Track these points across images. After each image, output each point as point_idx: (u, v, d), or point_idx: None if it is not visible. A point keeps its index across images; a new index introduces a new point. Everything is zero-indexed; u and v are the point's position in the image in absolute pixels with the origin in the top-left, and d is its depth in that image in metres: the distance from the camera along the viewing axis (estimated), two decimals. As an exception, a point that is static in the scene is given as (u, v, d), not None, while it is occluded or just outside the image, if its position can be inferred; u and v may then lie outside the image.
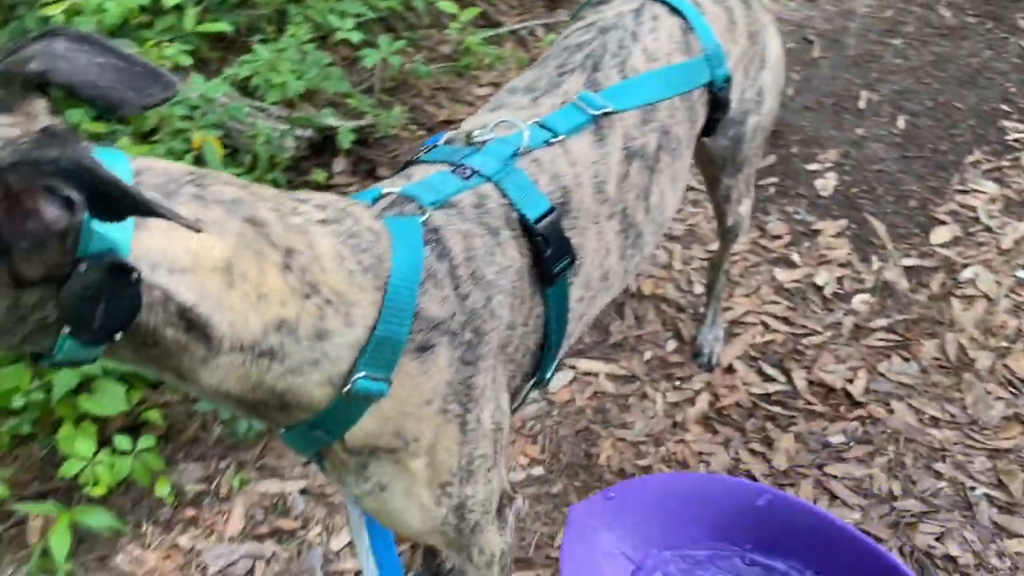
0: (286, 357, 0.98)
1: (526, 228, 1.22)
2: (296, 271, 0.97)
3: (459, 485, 1.19)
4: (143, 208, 0.75)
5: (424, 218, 1.14)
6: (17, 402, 2.06)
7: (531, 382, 1.35)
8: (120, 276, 0.83)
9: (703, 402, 2.35)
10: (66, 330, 0.83)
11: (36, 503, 2.01)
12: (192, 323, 0.91)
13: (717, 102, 1.61)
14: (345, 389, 1.03)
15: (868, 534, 2.01)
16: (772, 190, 3.03)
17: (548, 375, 1.38)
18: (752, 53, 1.69)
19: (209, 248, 0.90)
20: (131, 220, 0.84)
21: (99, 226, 0.80)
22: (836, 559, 0.85)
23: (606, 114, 1.37)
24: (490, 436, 1.21)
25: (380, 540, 1.29)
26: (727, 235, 2.20)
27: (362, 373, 1.02)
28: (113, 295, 0.82)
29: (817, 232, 2.85)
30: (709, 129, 1.66)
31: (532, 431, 2.31)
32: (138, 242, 0.85)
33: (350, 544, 2.06)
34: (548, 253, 1.23)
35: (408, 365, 1.07)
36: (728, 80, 1.60)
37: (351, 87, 3.03)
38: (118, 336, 0.85)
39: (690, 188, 2.94)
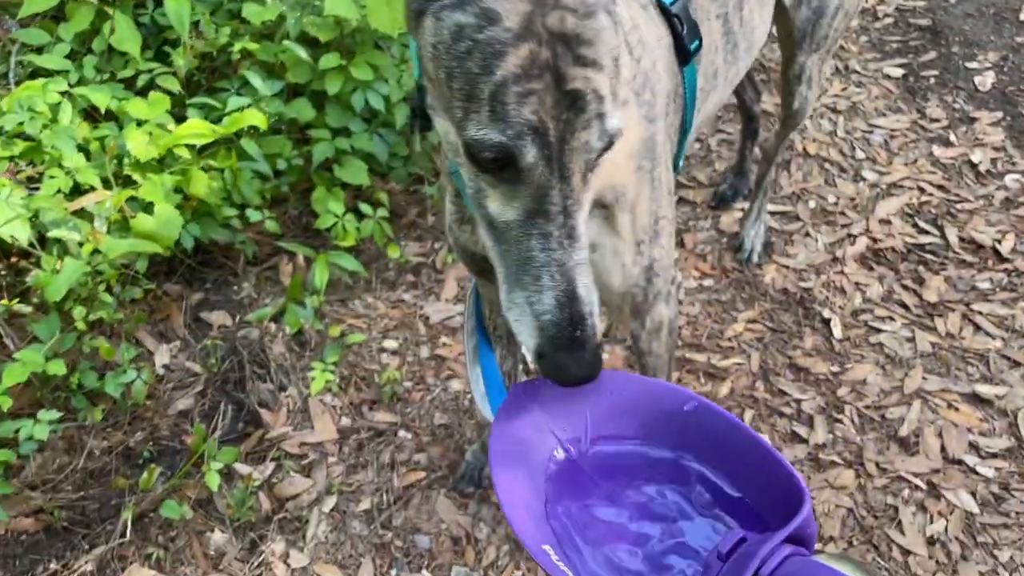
0: None
1: (663, 9, 1.43)
2: None
3: (649, 244, 1.37)
4: None
5: None
6: (280, 165, 2.43)
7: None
8: None
9: (861, 244, 2.61)
10: None
11: (298, 245, 2.39)
12: None
13: None
14: None
15: (1009, 359, 2.28)
16: (932, 80, 3.22)
17: (680, 163, 1.58)
18: None
19: None
20: None
21: None
22: (741, 463, 0.85)
23: None
24: (667, 197, 1.40)
25: (490, 365, 1.38)
26: (788, 120, 2.28)
27: None
28: None
29: (974, 120, 3.04)
30: None
31: (703, 251, 2.61)
32: None
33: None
34: (684, 32, 1.42)
35: None
36: None
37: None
38: None
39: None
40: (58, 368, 1.89)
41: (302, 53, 2.36)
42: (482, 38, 0.88)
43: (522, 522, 0.85)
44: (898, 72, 3.26)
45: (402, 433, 2.11)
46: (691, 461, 0.89)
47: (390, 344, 2.31)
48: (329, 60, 2.38)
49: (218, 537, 1.91)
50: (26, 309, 2.06)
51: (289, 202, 2.56)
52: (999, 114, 3.06)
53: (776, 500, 0.81)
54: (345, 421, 2.13)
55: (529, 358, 0.95)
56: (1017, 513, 1.96)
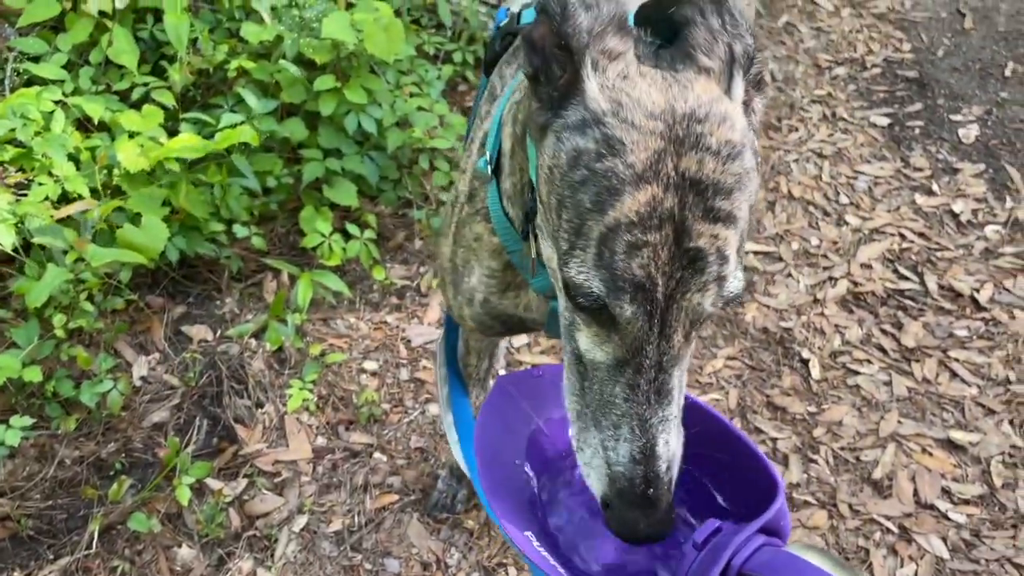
0: None
1: None
2: None
3: None
4: None
5: None
6: (270, 183, 2.45)
7: None
8: None
9: (842, 287, 2.64)
10: None
11: (283, 262, 2.40)
12: None
13: None
14: None
15: (983, 406, 2.30)
16: (917, 130, 3.28)
17: None
18: None
19: None
20: None
21: None
22: (721, 456, 0.87)
23: None
24: None
25: (463, 412, 1.41)
26: None
27: None
28: None
29: (957, 171, 3.10)
30: None
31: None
32: None
33: (528, 344, 2.41)
34: None
35: None
36: None
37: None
38: None
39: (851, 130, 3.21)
40: (34, 375, 1.88)
41: (297, 73, 2.39)
42: (600, 169, 0.79)
43: (503, 511, 0.85)
44: (884, 121, 3.32)
45: (377, 455, 2.10)
46: None
47: (370, 365, 2.30)
48: (324, 82, 2.41)
49: (185, 552, 1.89)
50: (5, 314, 2.05)
51: (277, 220, 2.57)
52: (981, 166, 3.11)
53: (752, 493, 0.82)
54: (320, 440, 2.12)
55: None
56: (987, 560, 1.96)
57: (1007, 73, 3.60)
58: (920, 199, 2.97)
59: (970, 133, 3.27)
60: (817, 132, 3.25)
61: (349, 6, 2.60)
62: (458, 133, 2.65)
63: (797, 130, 3.25)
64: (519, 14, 1.35)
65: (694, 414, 0.89)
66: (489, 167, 1.12)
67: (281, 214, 2.56)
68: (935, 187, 3.02)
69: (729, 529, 0.77)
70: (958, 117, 3.35)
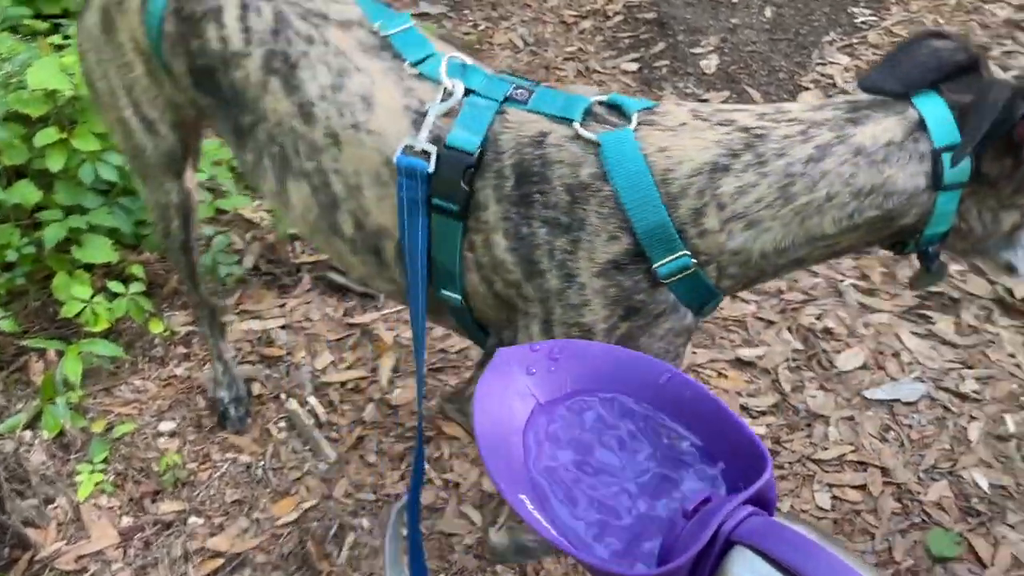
0: None
1: None
2: None
3: None
4: None
5: None
6: (10, 256, 2.22)
7: None
8: None
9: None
10: None
11: (44, 340, 2.19)
12: None
13: None
14: None
15: (762, 319, 2.48)
16: (664, 70, 3.45)
17: None
18: None
19: None
20: None
21: None
22: (704, 422, 0.90)
23: None
24: None
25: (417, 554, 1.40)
26: None
27: None
28: None
29: (705, 101, 3.29)
30: None
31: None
32: None
33: (333, 363, 2.35)
34: None
35: None
36: None
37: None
38: None
39: (596, 66, 3.30)
40: None
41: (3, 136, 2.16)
42: None
43: (498, 472, 0.84)
44: (633, 66, 3.46)
45: (192, 519, 1.98)
46: (665, 420, 0.91)
47: (166, 426, 2.17)
48: (46, 136, 2.20)
49: None
50: None
51: (28, 295, 2.34)
52: (726, 93, 3.33)
53: (739, 465, 0.84)
54: (126, 520, 1.98)
55: None
56: (790, 463, 2.14)
57: (768, 14, 3.84)
58: (678, 135, 3.13)
59: (711, 63, 3.47)
60: (575, 90, 3.34)
61: (58, 48, 2.39)
62: (212, 159, 2.51)
63: (556, 89, 3.33)
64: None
65: (681, 388, 0.90)
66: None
67: (32, 287, 2.34)
68: (689, 121, 3.19)
69: (718, 499, 0.77)
70: (698, 50, 3.55)
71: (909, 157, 1.12)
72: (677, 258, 1.14)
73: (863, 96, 1.19)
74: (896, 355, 2.35)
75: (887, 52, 1.20)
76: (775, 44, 3.58)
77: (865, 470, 2.10)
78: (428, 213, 1.22)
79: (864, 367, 2.33)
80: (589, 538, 0.85)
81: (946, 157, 1.11)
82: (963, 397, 2.24)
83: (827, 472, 2.10)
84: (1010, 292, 2.47)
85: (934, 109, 1.12)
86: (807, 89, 3.32)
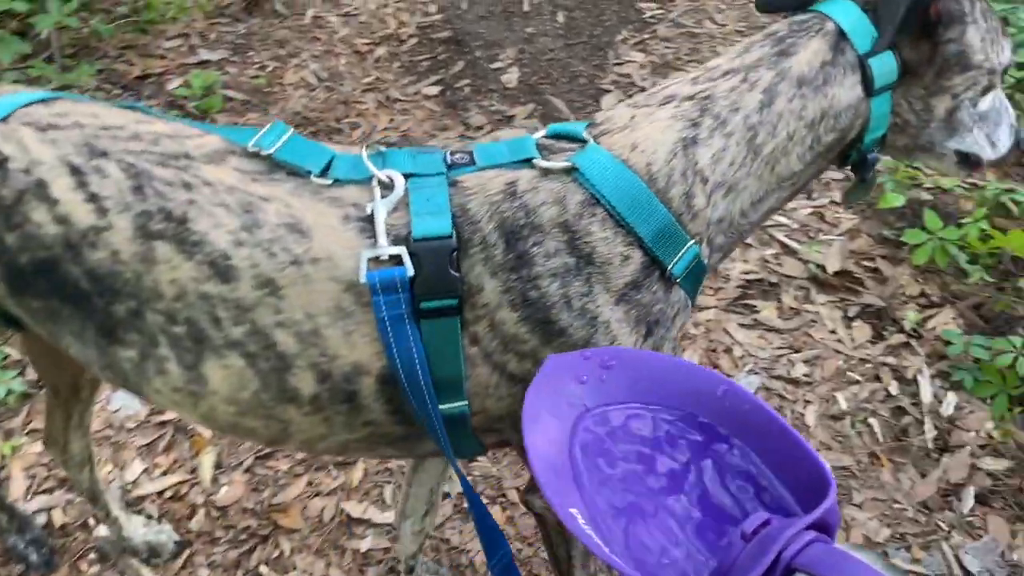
0: None
1: None
2: None
3: None
4: None
5: None
6: None
7: None
8: None
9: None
10: None
11: None
12: None
13: None
14: None
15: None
16: (467, 89, 3.37)
17: None
18: None
19: None
20: None
21: None
22: (769, 448, 0.86)
23: None
24: None
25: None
26: None
27: None
28: None
29: (511, 117, 3.23)
30: None
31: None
32: None
33: (146, 471, 2.12)
34: None
35: None
36: None
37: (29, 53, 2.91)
38: None
39: (394, 97, 3.18)
40: None
41: None
42: None
43: (550, 485, 0.82)
44: (435, 90, 3.36)
45: None
46: (728, 436, 0.88)
47: (-47, 587, 1.88)
48: None
49: None
50: None
51: None
52: (531, 106, 3.28)
53: (800, 487, 0.80)
54: None
55: None
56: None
57: (525, 8, 3.82)
58: (489, 156, 3.06)
59: (512, 77, 3.43)
60: (378, 122, 3.21)
61: None
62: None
63: (359, 126, 3.19)
64: None
65: (739, 402, 0.88)
66: None
67: None
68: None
69: (778, 522, 0.74)
70: (498, 64, 3.50)
71: (843, 71, 1.14)
72: (687, 251, 1.09)
73: (777, 25, 1.18)
74: (728, 350, 2.37)
75: None
76: (572, 49, 3.58)
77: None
78: (417, 324, 1.06)
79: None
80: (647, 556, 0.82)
81: (873, 62, 1.13)
82: (795, 383, 2.27)
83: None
84: (823, 268, 2.54)
85: (847, 14, 1.14)
86: (608, 92, 3.33)
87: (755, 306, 2.49)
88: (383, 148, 1.14)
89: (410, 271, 1.02)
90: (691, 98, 1.13)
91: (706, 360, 2.35)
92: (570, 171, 1.08)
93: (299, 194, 1.09)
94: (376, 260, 1.03)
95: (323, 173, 1.10)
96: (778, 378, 2.29)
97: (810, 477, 0.79)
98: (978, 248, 2.39)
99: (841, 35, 1.13)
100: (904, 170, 2.65)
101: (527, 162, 1.08)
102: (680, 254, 1.09)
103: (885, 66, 1.13)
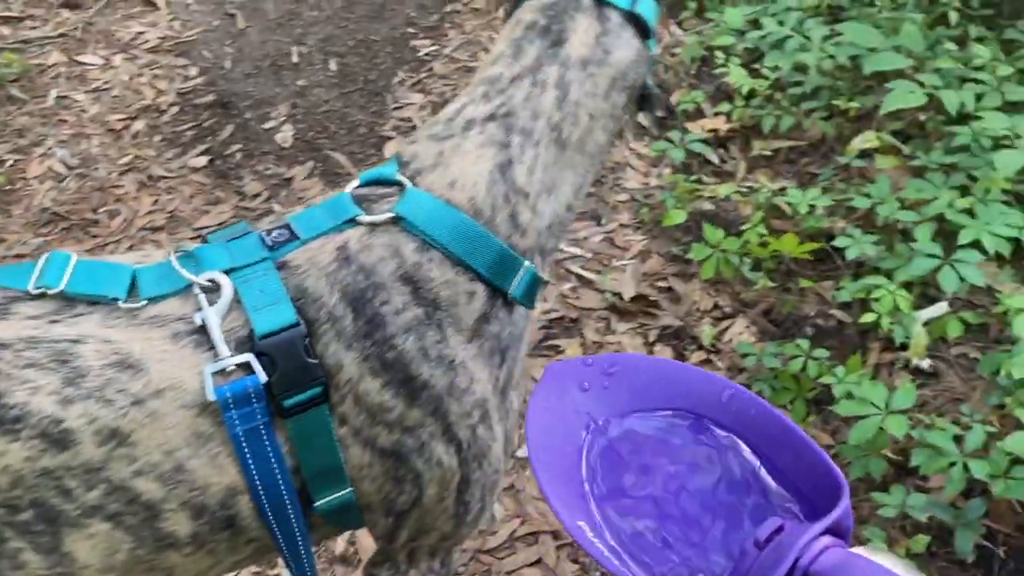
0: None
1: None
2: None
3: None
4: None
5: None
6: None
7: None
8: None
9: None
10: None
11: None
12: None
13: None
14: None
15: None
16: (239, 155, 3.16)
17: None
18: None
19: None
20: None
21: None
22: (775, 446, 0.85)
23: None
24: None
25: None
26: None
27: None
28: None
29: (290, 179, 3.05)
30: None
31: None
32: None
33: None
34: None
35: None
36: None
37: None
38: None
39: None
40: None
41: None
42: None
43: (557, 497, 0.82)
44: (203, 160, 3.13)
45: None
46: (733, 440, 0.88)
47: None
48: None
49: None
50: None
51: None
52: (310, 164, 3.11)
53: (811, 490, 0.80)
54: None
55: None
56: (464, 565, 1.98)
57: (295, 59, 3.64)
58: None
59: (287, 135, 3.24)
60: (140, 205, 2.94)
61: None
62: None
63: (119, 213, 2.91)
64: None
65: (746, 406, 0.88)
66: None
67: None
68: (277, 206, 2.94)
69: (792, 528, 0.74)
70: (270, 124, 3.30)
71: (618, 34, 1.17)
72: (524, 272, 1.11)
73: (528, 16, 1.18)
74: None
75: None
76: (348, 98, 3.43)
77: (536, 541, 2.00)
78: (276, 426, 1.00)
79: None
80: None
81: (640, 8, 1.18)
82: (606, 422, 2.23)
83: (502, 559, 1.97)
84: (620, 296, 2.52)
85: None
86: (390, 138, 3.21)
87: (559, 346, 2.43)
88: (189, 247, 1.06)
89: (262, 377, 0.96)
90: (492, 118, 1.12)
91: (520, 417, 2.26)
92: (397, 221, 1.05)
93: (113, 325, 0.99)
94: (223, 373, 0.97)
95: (130, 295, 1.00)
96: (589, 420, 2.23)
97: (821, 480, 0.79)
98: (759, 254, 2.43)
99: (598, 2, 1.16)
100: (683, 185, 2.68)
101: (351, 221, 1.05)
102: (519, 277, 1.10)
103: (649, 7, 1.19)
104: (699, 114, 3.10)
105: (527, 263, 1.11)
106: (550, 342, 2.44)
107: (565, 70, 1.13)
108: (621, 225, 2.77)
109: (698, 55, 3.16)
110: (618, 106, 1.19)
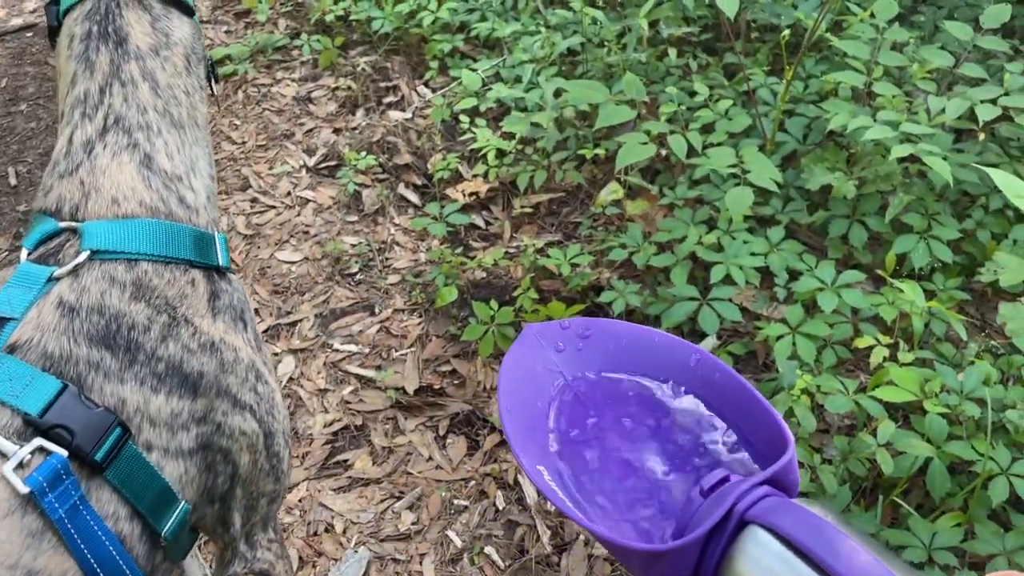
0: None
1: None
2: None
3: None
4: None
5: None
6: None
7: None
8: None
9: None
10: None
11: None
12: None
13: None
14: None
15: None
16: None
17: None
18: None
19: None
20: None
21: None
22: (737, 408, 0.89)
23: None
24: None
25: None
26: None
27: None
28: None
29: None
30: None
31: None
32: None
33: None
34: None
35: None
36: None
37: None
38: None
39: None
40: None
41: None
42: None
43: (520, 444, 0.87)
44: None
45: None
46: (696, 402, 0.93)
47: None
48: None
49: None
50: None
51: None
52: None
53: (766, 450, 0.84)
54: None
55: None
56: None
57: (12, 181, 3.26)
58: None
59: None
60: None
61: None
62: None
63: None
64: None
65: (711, 371, 0.92)
66: None
67: None
68: None
69: (736, 479, 0.78)
70: (-9, 262, 2.92)
71: (166, 16, 1.23)
72: (219, 242, 1.18)
73: (77, 27, 1.19)
74: (329, 528, 2.12)
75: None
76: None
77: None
78: (96, 488, 0.99)
79: (302, 563, 2.05)
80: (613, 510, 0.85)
81: None
82: (406, 537, 2.08)
83: None
84: (403, 390, 2.39)
85: None
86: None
87: (347, 460, 2.27)
88: None
89: (61, 451, 0.96)
90: (105, 130, 1.14)
91: (308, 549, 2.08)
92: (93, 256, 1.06)
93: None
94: (23, 464, 0.94)
95: None
96: (387, 539, 2.08)
97: (774, 437, 0.82)
98: (535, 320, 2.38)
99: None
100: (450, 259, 2.59)
101: (50, 280, 1.04)
102: (217, 249, 1.17)
103: None
104: (458, 177, 3.04)
105: (215, 233, 1.18)
106: (337, 458, 2.27)
107: (143, 62, 1.18)
108: (395, 311, 2.65)
109: (448, 116, 3.10)
110: (202, 76, 1.28)
